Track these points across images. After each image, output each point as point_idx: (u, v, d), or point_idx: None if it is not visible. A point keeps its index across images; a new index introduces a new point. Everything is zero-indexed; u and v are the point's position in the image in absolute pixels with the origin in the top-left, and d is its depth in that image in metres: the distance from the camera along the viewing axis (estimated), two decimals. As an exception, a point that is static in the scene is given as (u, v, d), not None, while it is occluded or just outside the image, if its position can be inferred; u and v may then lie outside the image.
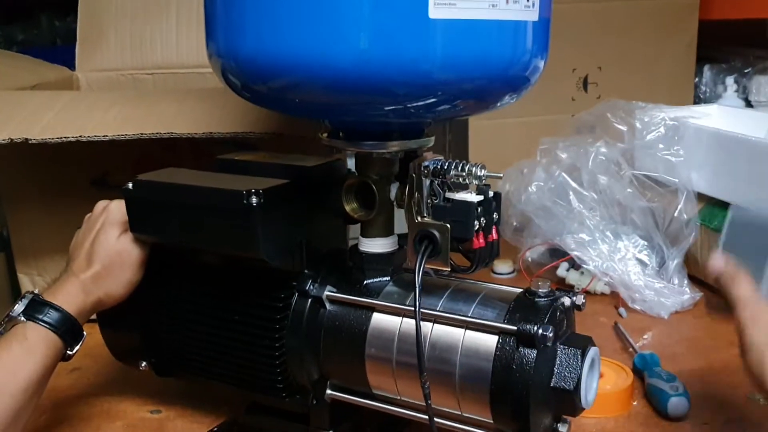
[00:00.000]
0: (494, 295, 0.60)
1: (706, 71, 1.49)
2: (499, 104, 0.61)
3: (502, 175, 0.58)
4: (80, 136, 0.78)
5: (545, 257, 1.07)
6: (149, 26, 1.11)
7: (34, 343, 0.62)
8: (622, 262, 0.98)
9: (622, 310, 0.97)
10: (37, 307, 0.63)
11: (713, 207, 1.00)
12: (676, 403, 0.73)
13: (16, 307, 0.63)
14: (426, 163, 0.58)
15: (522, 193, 1.06)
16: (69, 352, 0.65)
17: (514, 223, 1.08)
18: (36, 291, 0.65)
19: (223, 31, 0.56)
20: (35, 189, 0.94)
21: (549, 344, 0.54)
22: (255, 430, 0.72)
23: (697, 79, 1.47)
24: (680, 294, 0.98)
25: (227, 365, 0.69)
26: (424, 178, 0.57)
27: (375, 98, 0.56)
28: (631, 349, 0.88)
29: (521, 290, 0.60)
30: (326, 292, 0.64)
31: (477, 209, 0.56)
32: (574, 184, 1.04)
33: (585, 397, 0.57)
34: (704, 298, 0.99)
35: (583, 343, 0.58)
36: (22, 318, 0.62)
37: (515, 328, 0.55)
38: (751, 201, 0.92)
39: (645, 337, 0.93)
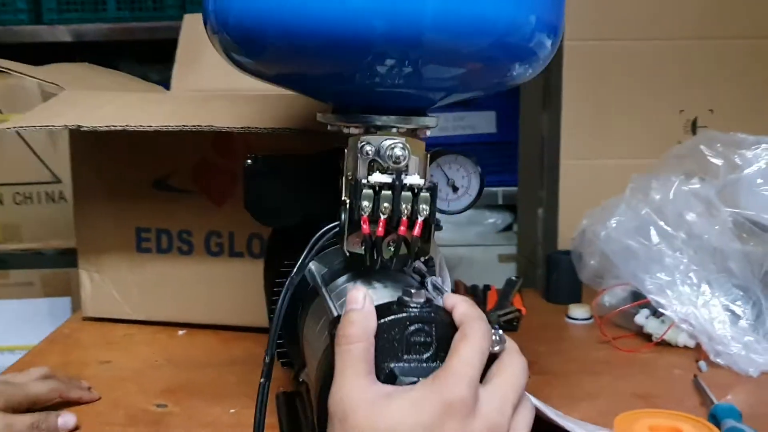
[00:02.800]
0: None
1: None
2: (506, 77, 0.55)
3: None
4: (126, 126, 0.80)
5: (627, 302, 0.96)
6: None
7: None
8: (706, 308, 0.86)
9: (702, 363, 0.84)
10: None
11: (824, 256, 0.86)
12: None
13: None
14: (362, 140, 0.55)
15: (602, 229, 0.97)
16: None
17: (592, 262, 0.98)
18: None
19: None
20: (101, 188, 0.96)
21: None
22: None
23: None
24: (776, 352, 0.84)
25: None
26: (359, 156, 0.55)
27: (359, 61, 0.52)
28: (710, 404, 0.75)
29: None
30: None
31: (373, 191, 0.53)
32: (660, 222, 0.94)
33: None
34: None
35: (415, 373, 0.47)
36: None
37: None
38: None
39: (728, 397, 0.80)
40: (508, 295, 1.05)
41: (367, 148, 0.54)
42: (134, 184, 0.95)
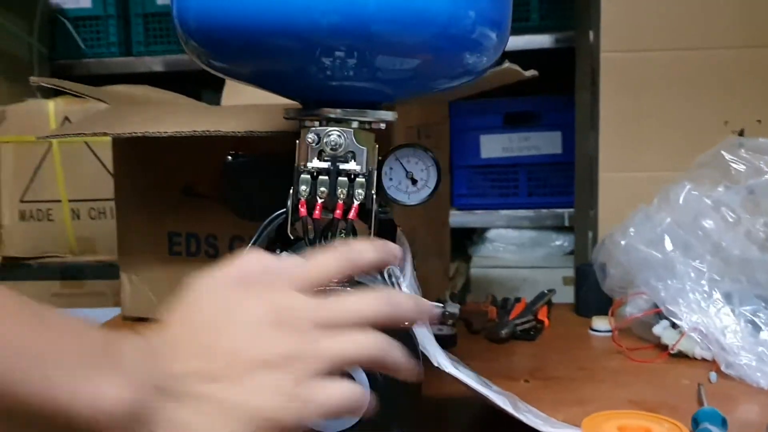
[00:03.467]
0: None
1: None
2: (459, 68, 0.57)
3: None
4: (145, 132, 0.86)
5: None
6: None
7: None
8: (718, 317, 0.82)
9: (712, 374, 0.81)
10: None
11: None
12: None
13: None
14: (310, 130, 0.58)
15: (621, 239, 0.95)
16: None
17: (612, 272, 0.96)
18: None
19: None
20: (137, 195, 1.03)
21: None
22: None
23: None
24: (795, 365, 0.79)
25: None
26: (309, 144, 0.57)
27: (310, 55, 0.55)
28: (704, 413, 0.72)
29: None
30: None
31: (311, 176, 0.57)
32: (680, 231, 0.91)
33: None
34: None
35: None
36: None
37: None
38: None
39: (740, 407, 0.76)
40: (532, 307, 1.04)
41: (309, 137, 0.57)
42: (166, 191, 1.01)
